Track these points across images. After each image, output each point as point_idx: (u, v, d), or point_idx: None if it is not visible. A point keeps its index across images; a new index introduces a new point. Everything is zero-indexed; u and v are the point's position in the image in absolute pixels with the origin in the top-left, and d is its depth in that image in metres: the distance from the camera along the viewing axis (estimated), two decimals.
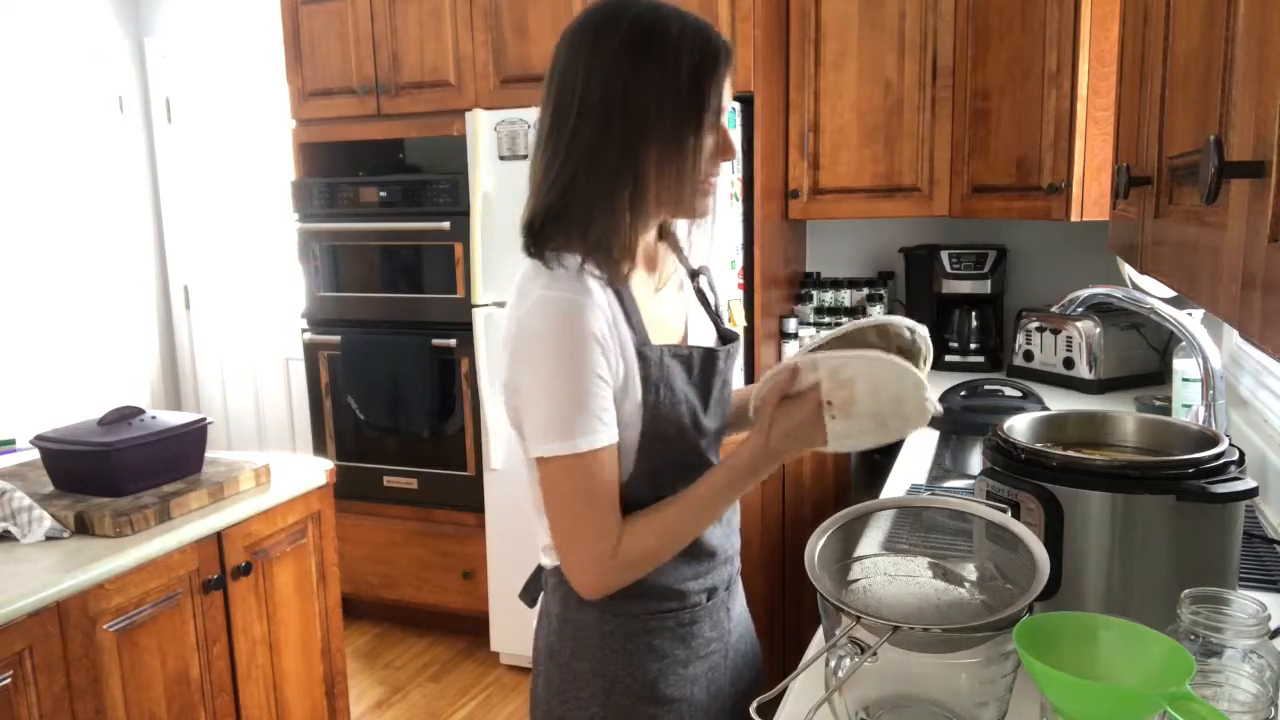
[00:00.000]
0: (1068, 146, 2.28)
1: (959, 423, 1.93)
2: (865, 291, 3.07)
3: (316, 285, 3.29)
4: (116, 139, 4.07)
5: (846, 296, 3.08)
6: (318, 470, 2.09)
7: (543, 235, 1.08)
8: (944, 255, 2.93)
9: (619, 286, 1.07)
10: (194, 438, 1.92)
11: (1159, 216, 0.97)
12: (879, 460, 2.72)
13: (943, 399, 1.93)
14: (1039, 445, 1.06)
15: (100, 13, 3.98)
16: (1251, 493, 0.98)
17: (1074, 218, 2.27)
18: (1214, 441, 1.06)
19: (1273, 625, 0.82)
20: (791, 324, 3.04)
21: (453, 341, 3.07)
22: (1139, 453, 1.19)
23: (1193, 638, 0.82)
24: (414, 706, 2.93)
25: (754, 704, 0.86)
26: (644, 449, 1.09)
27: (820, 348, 1.06)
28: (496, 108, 2.86)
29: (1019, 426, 1.19)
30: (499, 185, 2.85)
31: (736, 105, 2.69)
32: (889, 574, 0.98)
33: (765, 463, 1.08)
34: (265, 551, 1.96)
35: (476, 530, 3.12)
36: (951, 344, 2.97)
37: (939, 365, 2.93)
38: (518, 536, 2.98)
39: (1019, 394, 1.96)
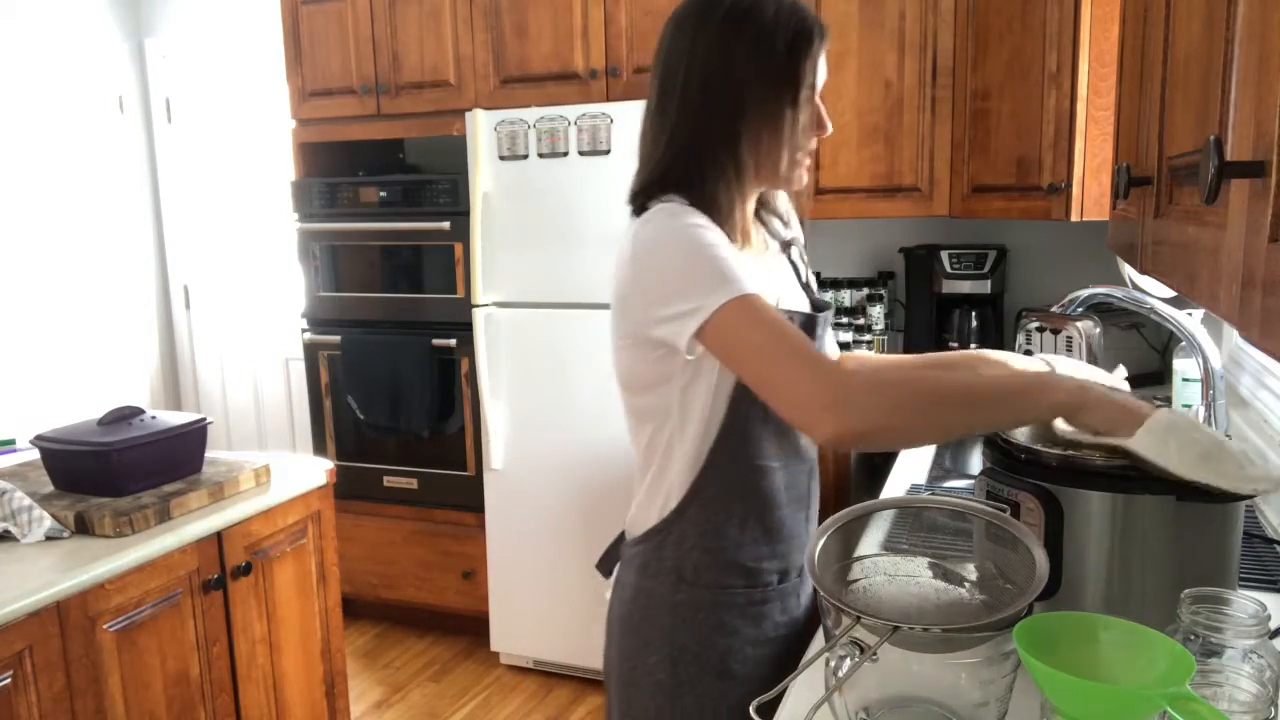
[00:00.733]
0: (1068, 146, 2.27)
1: None
2: (865, 291, 3.07)
3: (316, 285, 3.29)
4: (116, 139, 4.07)
5: (846, 296, 3.07)
6: (318, 470, 2.09)
7: (650, 204, 1.12)
8: (944, 255, 2.93)
9: None
10: (194, 438, 1.92)
11: (1159, 216, 0.97)
12: (879, 461, 2.72)
13: None
14: (1039, 445, 1.06)
15: (100, 13, 3.98)
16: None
17: (1074, 218, 2.27)
18: None
19: (1273, 625, 0.82)
20: None
21: (453, 341, 3.07)
22: None
23: (1193, 638, 0.82)
24: (414, 706, 2.93)
25: (754, 704, 0.86)
26: (736, 399, 1.10)
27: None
28: (496, 108, 2.86)
29: None
30: (499, 185, 2.85)
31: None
32: (889, 574, 0.97)
33: (1059, 395, 0.99)
34: (265, 551, 1.96)
35: (476, 530, 3.12)
36: (951, 344, 2.97)
37: None
38: (518, 536, 2.99)
39: None
